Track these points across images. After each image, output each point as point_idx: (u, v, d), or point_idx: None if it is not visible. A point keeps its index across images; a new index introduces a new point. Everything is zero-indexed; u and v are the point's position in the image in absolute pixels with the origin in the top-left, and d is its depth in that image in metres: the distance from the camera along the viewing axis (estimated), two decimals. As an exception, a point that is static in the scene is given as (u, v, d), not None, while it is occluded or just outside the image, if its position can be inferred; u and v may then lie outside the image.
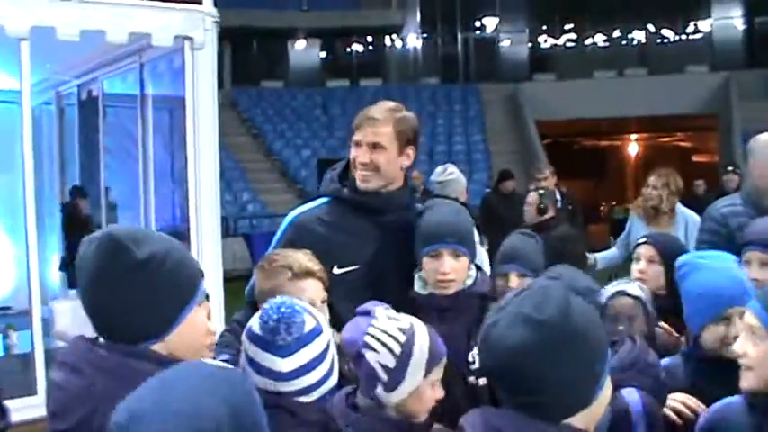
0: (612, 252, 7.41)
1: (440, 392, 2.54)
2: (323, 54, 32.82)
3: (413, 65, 32.21)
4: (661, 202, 6.96)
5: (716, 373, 2.86)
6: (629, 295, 3.39)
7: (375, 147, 3.49)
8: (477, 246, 3.95)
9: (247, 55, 30.79)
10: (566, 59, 31.46)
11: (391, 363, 2.47)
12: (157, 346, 2.15)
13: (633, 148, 34.87)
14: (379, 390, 2.47)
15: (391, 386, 2.47)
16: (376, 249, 3.49)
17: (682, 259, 3.28)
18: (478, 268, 3.48)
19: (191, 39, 6.49)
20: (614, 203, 28.89)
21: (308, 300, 2.81)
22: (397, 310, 2.64)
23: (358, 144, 3.52)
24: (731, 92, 25.97)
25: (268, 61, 31.81)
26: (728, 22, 30.30)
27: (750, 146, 5.00)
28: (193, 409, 1.61)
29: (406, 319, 2.58)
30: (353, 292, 3.23)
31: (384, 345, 2.49)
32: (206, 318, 2.24)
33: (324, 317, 2.58)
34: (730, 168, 12.48)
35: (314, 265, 3.09)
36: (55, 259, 9.66)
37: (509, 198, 11.39)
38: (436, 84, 30.92)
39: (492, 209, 11.37)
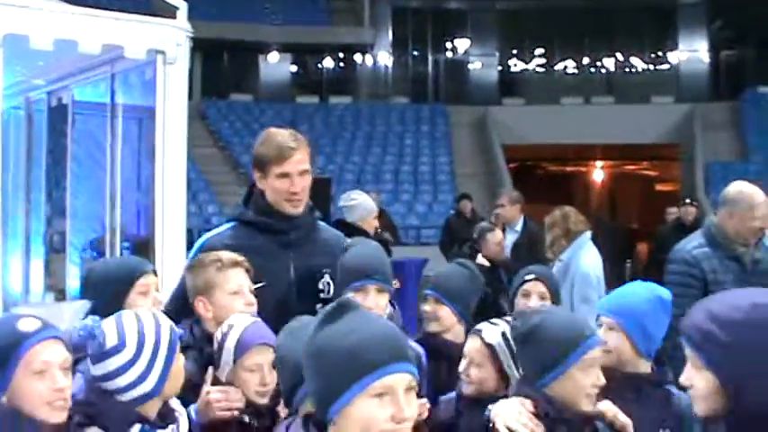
0: None
1: (263, 378, 3.02)
2: (293, 69, 32.85)
3: (383, 83, 32.31)
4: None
5: None
6: (481, 338, 3.29)
7: (302, 173, 3.71)
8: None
9: (218, 67, 30.75)
10: (534, 84, 31.72)
11: (215, 348, 3.12)
12: None
13: (598, 174, 35.16)
14: (214, 370, 3.07)
15: (216, 367, 3.08)
16: (281, 266, 3.69)
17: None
18: (393, 305, 3.72)
19: (163, 53, 6.55)
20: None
21: (237, 286, 3.29)
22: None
23: (285, 175, 3.68)
24: (695, 123, 26.32)
25: (238, 74, 31.77)
26: (695, 54, 30.72)
27: (727, 194, 5.07)
28: None
29: (237, 319, 3.13)
30: (263, 306, 3.45)
31: (215, 336, 3.13)
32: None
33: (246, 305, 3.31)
34: (688, 201, 12.63)
35: (239, 258, 3.39)
36: (17, 264, 9.62)
37: (470, 220, 11.53)
38: (406, 103, 31.04)
39: (452, 230, 11.52)
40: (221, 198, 23.01)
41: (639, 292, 3.39)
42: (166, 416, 2.71)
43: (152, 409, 2.67)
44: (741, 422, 2.13)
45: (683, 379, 2.30)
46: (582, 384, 2.78)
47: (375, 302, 3.47)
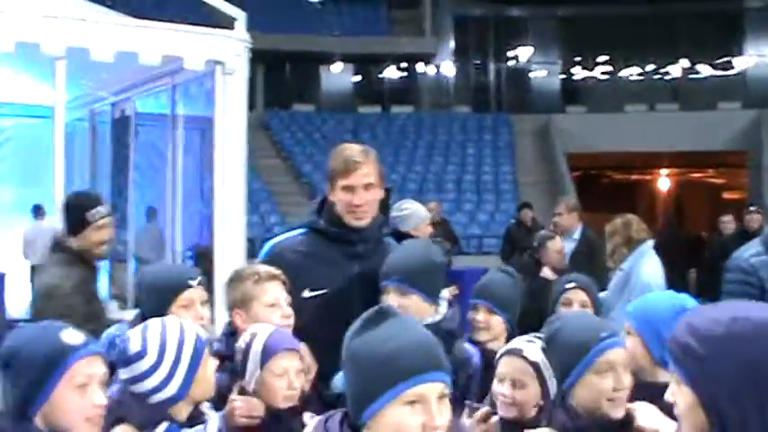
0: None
1: (291, 383, 3.08)
2: (355, 79, 32.98)
3: (445, 93, 32.28)
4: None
5: None
6: (523, 357, 3.10)
7: (367, 187, 3.75)
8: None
9: (280, 78, 30.96)
10: (598, 92, 31.42)
11: (240, 357, 3.14)
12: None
13: (664, 183, 34.72)
14: (240, 380, 3.13)
15: (243, 374, 3.12)
16: (345, 276, 3.74)
17: None
18: (450, 304, 3.67)
19: (222, 63, 6.62)
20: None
21: (273, 299, 3.37)
22: None
23: (349, 188, 3.74)
24: (763, 129, 25.85)
25: (300, 85, 31.99)
26: (762, 59, 30.19)
27: None
28: None
29: (260, 327, 3.19)
30: (322, 314, 3.55)
31: (238, 345, 3.18)
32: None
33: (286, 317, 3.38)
34: (753, 208, 12.37)
35: (276, 271, 3.47)
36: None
37: (530, 229, 11.44)
38: (468, 112, 30.97)
39: (512, 239, 11.43)
40: (283, 208, 23.15)
41: (662, 299, 3.31)
42: (196, 419, 2.77)
43: (181, 412, 2.74)
44: None
45: (667, 395, 2.17)
46: (600, 389, 2.73)
47: (396, 303, 3.42)
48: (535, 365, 3.05)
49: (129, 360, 2.69)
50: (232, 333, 3.46)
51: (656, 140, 26.79)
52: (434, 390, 2.05)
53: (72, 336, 2.48)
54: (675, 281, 11.94)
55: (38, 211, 11.31)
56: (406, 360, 2.04)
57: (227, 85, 6.76)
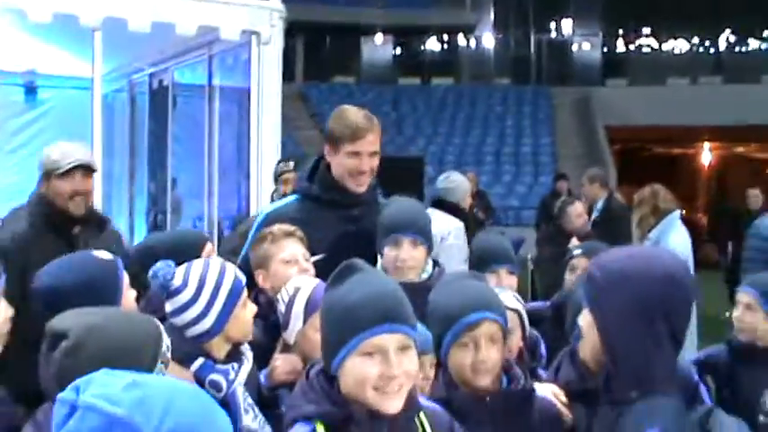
0: None
1: None
2: (395, 51, 32.90)
3: (485, 65, 32.12)
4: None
5: None
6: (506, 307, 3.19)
7: (372, 155, 3.84)
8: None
9: (320, 50, 30.99)
10: (639, 64, 31.11)
11: (282, 309, 3.20)
12: None
13: (706, 156, 34.36)
14: (284, 333, 3.21)
15: (285, 328, 3.19)
16: (341, 240, 3.79)
17: None
18: (436, 263, 3.78)
19: (257, 33, 6.66)
20: (684, 212, 28.40)
21: (290, 255, 3.46)
22: None
23: (356, 155, 3.80)
24: (807, 103, 25.46)
25: (340, 57, 31.98)
26: (809, 32, 29.71)
27: None
28: None
29: (303, 282, 3.24)
30: (321, 278, 3.50)
31: (280, 298, 3.22)
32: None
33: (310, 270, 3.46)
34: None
35: (291, 228, 3.56)
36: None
37: (564, 199, 11.42)
38: (508, 84, 30.82)
39: (547, 210, 11.40)
40: (322, 179, 23.16)
41: None
42: (234, 358, 2.87)
43: (219, 349, 2.84)
44: (614, 355, 2.38)
45: (579, 320, 2.55)
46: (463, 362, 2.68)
47: (409, 255, 3.60)
48: (517, 312, 3.31)
49: (171, 293, 2.82)
50: (257, 293, 3.53)
51: (698, 114, 26.50)
52: (392, 341, 2.16)
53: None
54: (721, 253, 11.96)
55: None
56: (362, 313, 2.16)
57: (263, 56, 6.80)
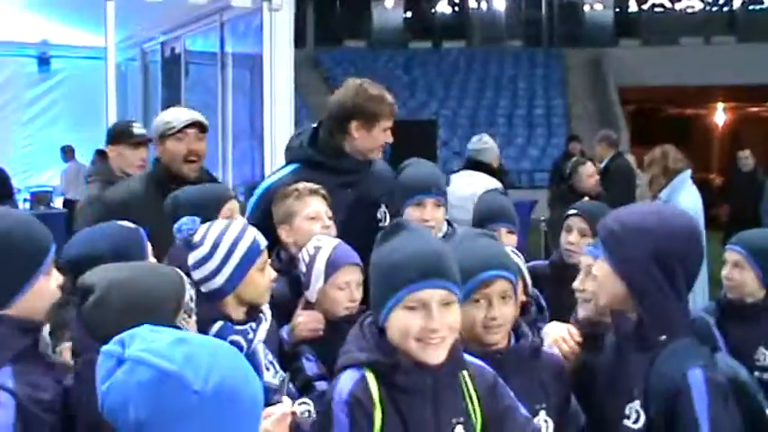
0: None
1: (352, 295, 3.27)
2: (407, 15, 32.75)
3: (496, 27, 31.95)
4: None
5: None
6: None
7: (390, 129, 4.03)
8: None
9: (331, 15, 30.87)
10: (651, 24, 30.88)
11: (303, 269, 3.32)
12: (11, 312, 2.38)
13: (720, 116, 34.18)
14: (305, 291, 3.33)
15: (306, 286, 3.31)
16: (344, 204, 3.93)
17: None
18: (450, 224, 3.96)
19: (269, 0, 6.67)
20: (697, 173, 28.24)
21: (314, 212, 3.57)
22: (364, 256, 3.05)
23: (389, 130, 4.03)
24: (823, 61, 25.26)
25: (351, 21, 31.84)
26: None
27: None
28: None
29: (324, 241, 3.36)
30: None
31: (302, 257, 3.35)
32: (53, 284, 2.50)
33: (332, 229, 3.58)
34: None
35: (315, 186, 3.67)
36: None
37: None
38: (520, 47, 30.67)
39: (559, 171, 11.46)
40: (335, 145, 23.18)
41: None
42: (252, 317, 2.93)
43: (236, 311, 2.90)
44: (643, 303, 2.55)
45: (594, 269, 2.74)
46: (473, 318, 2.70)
47: (432, 215, 3.81)
48: (517, 266, 3.29)
49: (191, 248, 2.91)
50: (279, 250, 3.64)
51: (711, 74, 26.33)
52: (435, 296, 2.28)
53: None
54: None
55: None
56: (406, 268, 2.29)
57: (275, 22, 6.81)
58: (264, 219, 3.76)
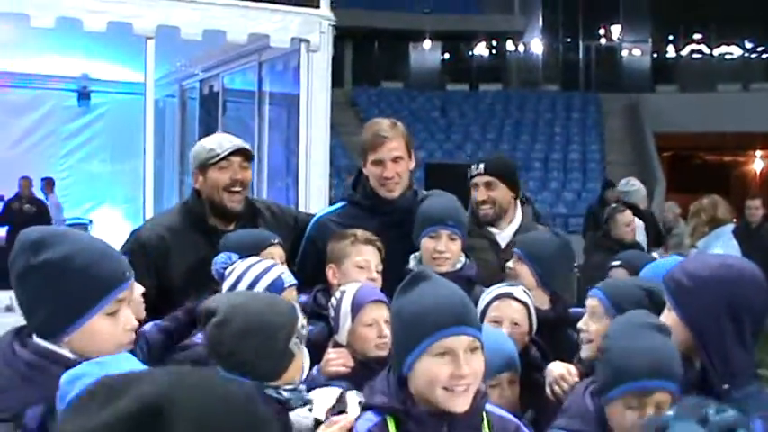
0: None
1: (381, 331, 3.23)
2: (444, 56, 32.91)
3: (533, 71, 32.02)
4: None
5: None
6: (516, 299, 3.45)
7: (395, 160, 4.01)
8: None
9: (368, 55, 31.10)
10: (689, 71, 30.82)
11: (332, 313, 3.35)
12: (64, 347, 2.22)
13: (758, 164, 33.93)
14: (335, 335, 3.36)
15: (336, 329, 3.34)
16: (385, 246, 3.89)
17: None
18: (467, 255, 3.94)
19: (307, 41, 6.71)
20: (736, 221, 27.94)
21: (364, 261, 3.62)
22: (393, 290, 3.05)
23: (379, 162, 4.02)
24: None
25: (389, 62, 32.06)
26: None
27: None
28: None
29: (349, 285, 3.40)
30: None
31: (331, 303, 3.38)
32: (122, 319, 2.30)
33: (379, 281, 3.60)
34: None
35: (373, 237, 3.72)
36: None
37: (611, 207, 11.42)
38: (556, 91, 30.69)
39: (595, 217, 11.37)
40: (370, 185, 23.24)
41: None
42: None
43: None
44: (709, 352, 2.61)
45: (662, 317, 2.73)
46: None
47: (447, 247, 3.79)
48: (525, 304, 3.45)
49: (222, 280, 3.13)
50: (325, 289, 3.69)
51: (750, 121, 26.20)
52: (461, 343, 2.33)
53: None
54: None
55: None
56: (432, 317, 2.33)
57: (312, 63, 6.85)
58: (308, 246, 4.05)
